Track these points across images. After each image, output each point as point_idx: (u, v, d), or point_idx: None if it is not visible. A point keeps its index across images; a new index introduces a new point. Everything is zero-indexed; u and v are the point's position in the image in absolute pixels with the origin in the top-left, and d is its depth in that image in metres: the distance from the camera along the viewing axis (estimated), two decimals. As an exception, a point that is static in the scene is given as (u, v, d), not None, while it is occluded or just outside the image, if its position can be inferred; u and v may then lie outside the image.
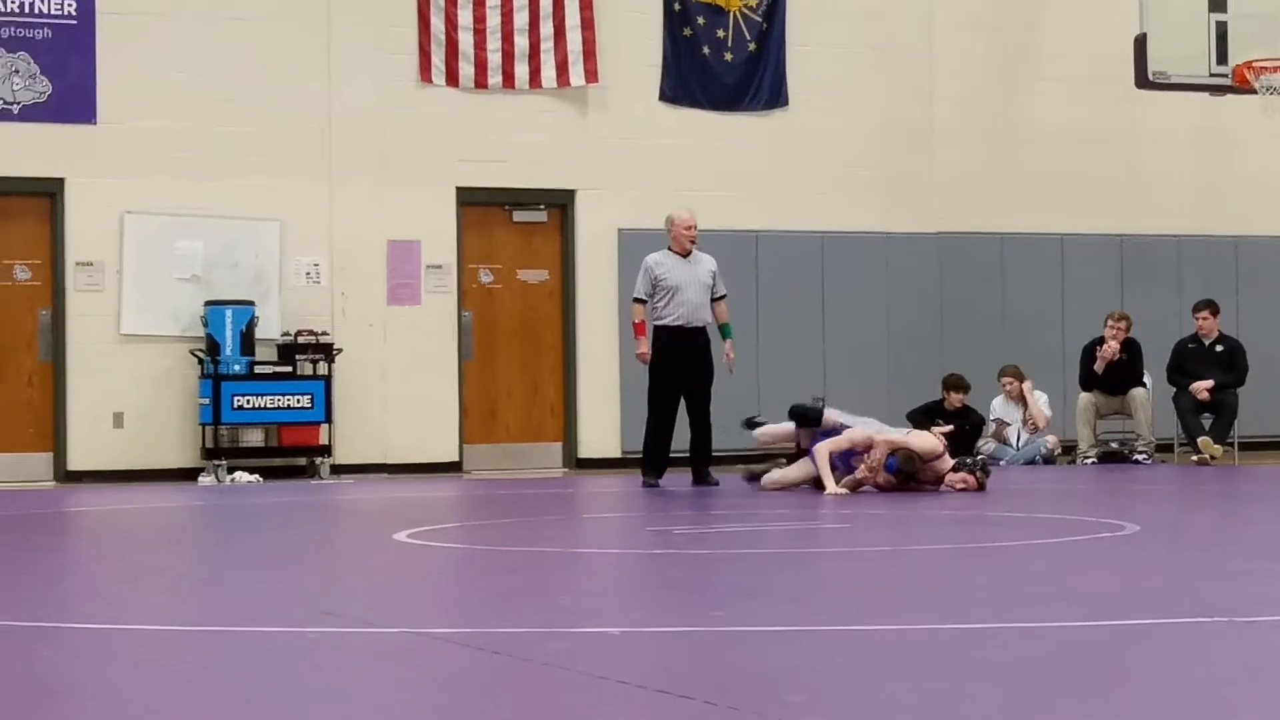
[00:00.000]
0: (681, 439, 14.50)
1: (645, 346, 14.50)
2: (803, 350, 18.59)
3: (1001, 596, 6.88)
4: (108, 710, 4.55)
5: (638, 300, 14.58)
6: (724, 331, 14.62)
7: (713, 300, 14.54)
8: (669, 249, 14.59)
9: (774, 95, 19.11)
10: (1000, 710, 4.32)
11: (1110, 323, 17.99)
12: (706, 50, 18.89)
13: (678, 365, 14.29)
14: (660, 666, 5.23)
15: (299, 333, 17.33)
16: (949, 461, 13.40)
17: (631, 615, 6.71)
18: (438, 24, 18.00)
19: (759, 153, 18.92)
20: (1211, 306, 18.17)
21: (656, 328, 14.42)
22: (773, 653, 5.39)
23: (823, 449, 13.30)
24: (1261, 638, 5.58)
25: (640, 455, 14.74)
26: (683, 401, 14.43)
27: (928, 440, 13.45)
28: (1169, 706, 4.30)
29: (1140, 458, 17.76)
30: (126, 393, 17.13)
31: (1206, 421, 17.74)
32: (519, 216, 18.62)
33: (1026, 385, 18.00)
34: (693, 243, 14.56)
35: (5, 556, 9.67)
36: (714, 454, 14.49)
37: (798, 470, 13.54)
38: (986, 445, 17.89)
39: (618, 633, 6.00)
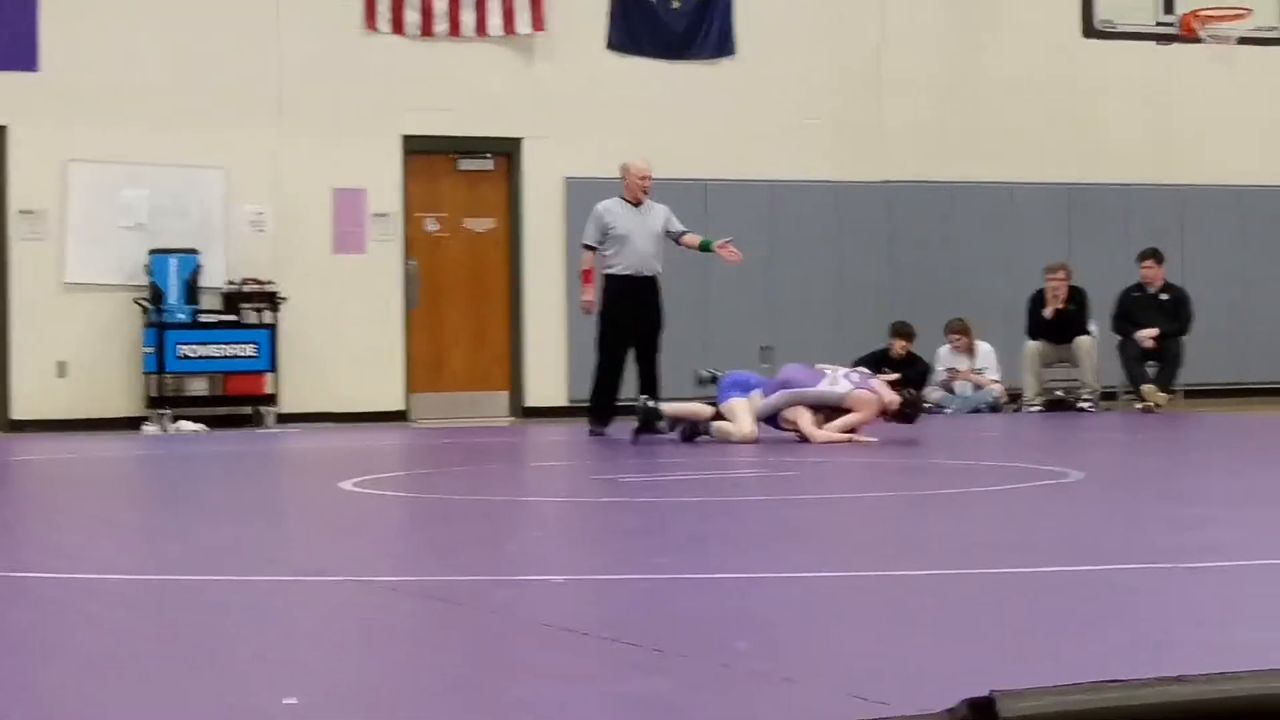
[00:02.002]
0: (630, 388, 14.48)
1: (591, 295, 14.46)
2: (752, 299, 18.59)
3: (947, 543, 6.89)
4: (52, 661, 4.52)
5: (587, 247, 14.53)
6: (705, 246, 14.45)
7: (679, 239, 14.47)
8: (621, 197, 14.53)
9: (722, 44, 19.07)
10: (946, 655, 4.33)
11: (1049, 275, 18.04)
12: (654, -2, 18.83)
13: (627, 314, 14.26)
14: (607, 614, 5.23)
15: (244, 281, 17.26)
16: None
17: (578, 563, 6.70)
18: (383, -29, 17.89)
19: (708, 101, 18.89)
20: (1156, 255, 18.24)
21: (606, 276, 14.38)
22: (720, 600, 5.39)
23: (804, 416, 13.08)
24: (1204, 584, 5.60)
25: (587, 404, 14.72)
26: (631, 351, 14.40)
27: (863, 404, 13.16)
28: (1113, 652, 4.32)
29: (1085, 405, 17.85)
30: (70, 342, 17.04)
31: (1151, 369, 17.84)
32: (465, 165, 18.56)
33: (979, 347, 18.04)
34: (645, 192, 14.50)
35: (-53, 506, 9.60)
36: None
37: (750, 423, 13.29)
38: (933, 393, 17.94)
39: (563, 580, 5.99)
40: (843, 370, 13.45)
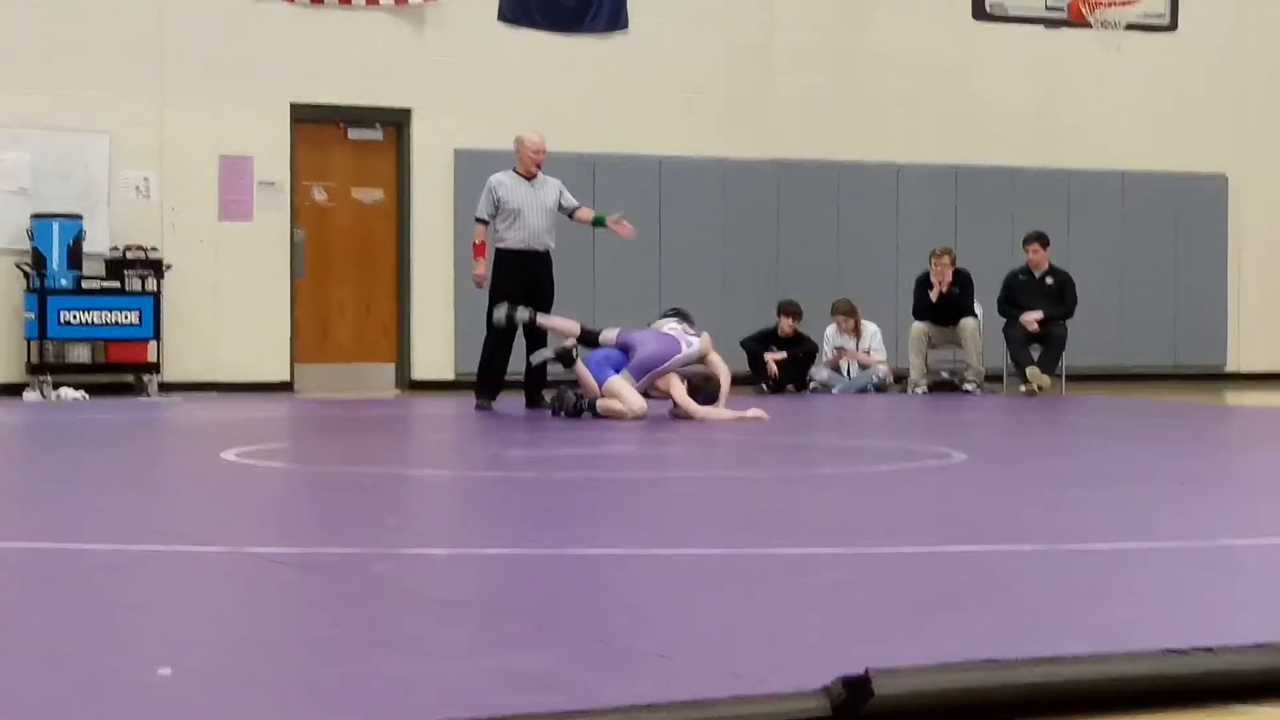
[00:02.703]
0: (517, 362, 14.44)
1: (482, 269, 14.41)
2: (639, 275, 18.60)
3: (827, 522, 6.93)
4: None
5: (479, 220, 14.47)
6: (599, 221, 14.49)
7: (572, 213, 14.45)
8: (514, 170, 14.47)
9: (614, 18, 19.05)
10: (823, 633, 4.35)
11: (933, 260, 18.16)
12: (546, -30, 18.77)
13: (517, 288, 14.21)
14: (487, 588, 5.22)
15: (128, 248, 17.09)
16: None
17: (460, 537, 6.69)
18: (274, -63, 17.74)
19: (598, 75, 18.88)
20: (1042, 239, 18.39)
21: (498, 250, 14.34)
22: (599, 575, 5.40)
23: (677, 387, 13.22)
24: (1078, 564, 5.66)
25: (475, 377, 14.67)
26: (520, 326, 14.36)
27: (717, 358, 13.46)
28: (988, 631, 4.35)
29: (970, 387, 17.98)
30: (-51, 306, 16.81)
31: (1035, 352, 17.99)
32: (354, 134, 18.46)
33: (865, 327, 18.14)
34: (539, 166, 14.45)
35: None
36: (549, 378, 14.45)
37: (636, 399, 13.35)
38: (820, 373, 18.03)
39: (445, 554, 5.98)
40: (671, 323, 13.60)
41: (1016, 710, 3.46)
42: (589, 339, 13.60)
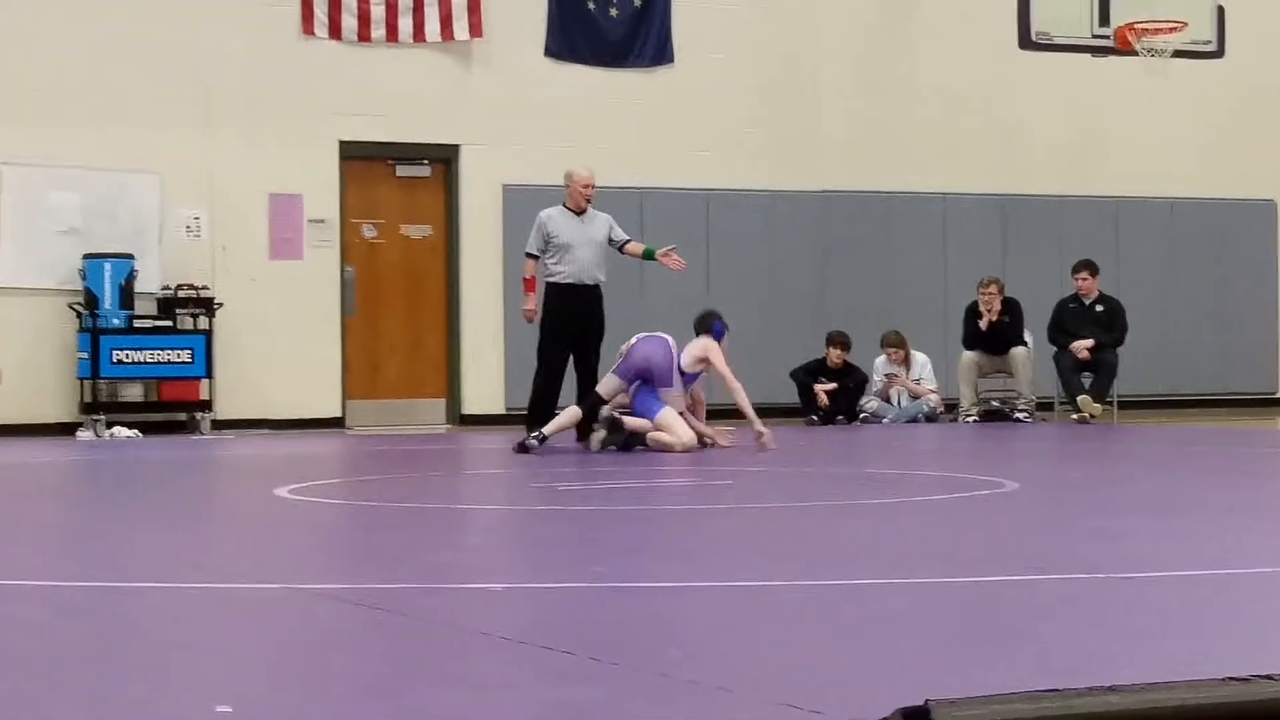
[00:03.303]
0: (568, 396, 14.43)
1: (532, 304, 14.42)
2: (687, 309, 18.49)
3: (881, 553, 6.91)
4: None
5: (529, 255, 14.49)
6: (648, 254, 14.52)
7: (621, 247, 14.46)
8: (564, 205, 14.48)
9: (659, 52, 19.08)
10: (880, 664, 4.33)
11: (981, 289, 18.13)
12: (592, 6, 18.84)
13: (568, 322, 14.21)
14: (542, 622, 5.22)
15: (179, 286, 17.16)
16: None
17: (513, 571, 6.69)
18: (320, -24, 17.84)
19: (644, 110, 18.90)
20: (1090, 267, 18.33)
21: (548, 284, 14.35)
22: (655, 608, 5.39)
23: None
24: (1135, 593, 5.63)
25: (525, 411, 14.67)
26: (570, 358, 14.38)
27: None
28: (1047, 662, 4.33)
29: (1021, 416, 17.92)
30: (3, 347, 16.91)
31: (1086, 380, 17.93)
32: (402, 171, 18.52)
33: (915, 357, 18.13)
34: (589, 201, 14.45)
35: (-124, 511, 9.51)
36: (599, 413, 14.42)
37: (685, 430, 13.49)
38: (870, 403, 17.99)
39: (499, 588, 5.98)
40: (663, 337, 13.71)
41: (1076, 740, 3.43)
42: (596, 406, 13.68)
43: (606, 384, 13.63)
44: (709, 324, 14.01)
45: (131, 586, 6.04)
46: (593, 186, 14.46)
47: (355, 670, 4.42)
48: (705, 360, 13.66)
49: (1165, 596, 5.58)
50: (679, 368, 13.56)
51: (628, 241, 14.51)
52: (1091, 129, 20.62)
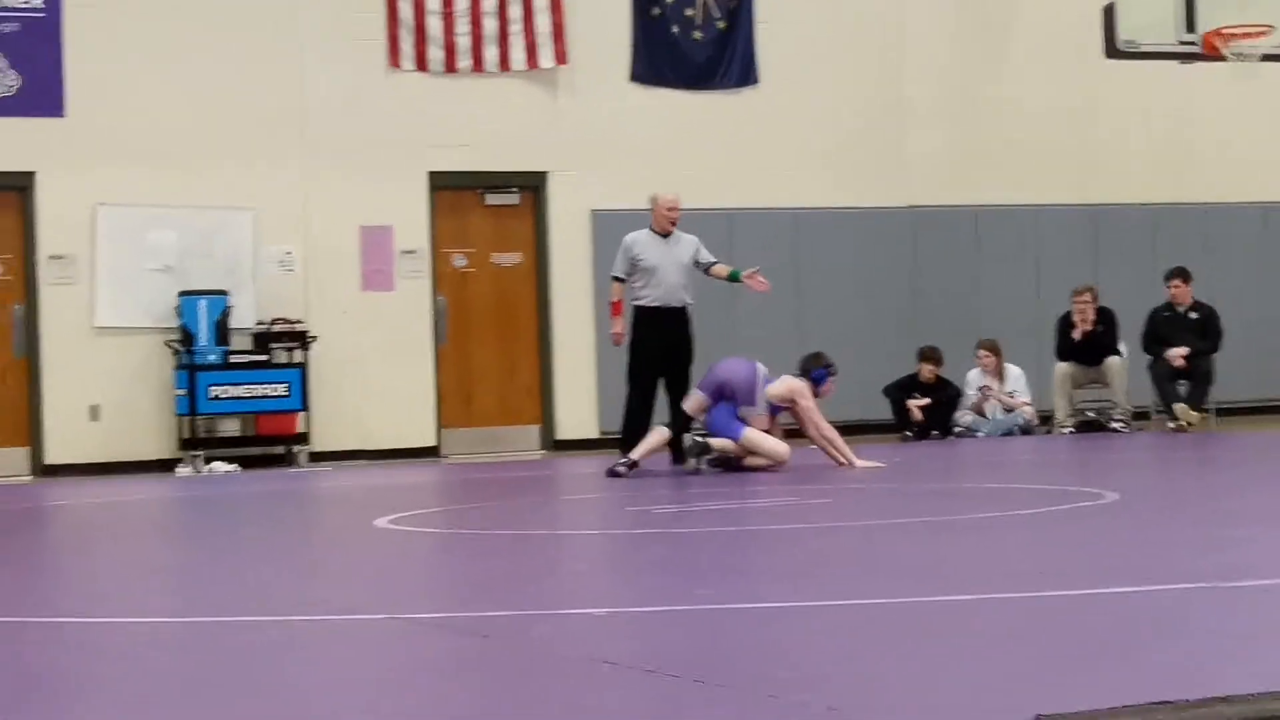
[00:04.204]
0: (660, 419, 14.44)
1: (620, 327, 14.47)
2: (778, 328, 18.57)
3: (983, 568, 6.88)
4: (91, 706, 4.53)
5: (615, 279, 14.53)
6: (734, 276, 14.51)
7: (708, 270, 14.47)
8: (650, 228, 14.51)
9: (744, 73, 19.10)
10: (989, 680, 4.32)
11: (1075, 298, 18.04)
12: (676, 29, 18.87)
13: (656, 345, 14.24)
14: (647, 646, 5.22)
15: (274, 321, 17.30)
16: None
17: (616, 595, 6.70)
18: (405, 9, 17.96)
19: (731, 131, 18.91)
20: (1183, 274, 18.20)
21: (636, 308, 14.38)
22: (760, 629, 5.39)
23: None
24: (1246, 603, 5.58)
25: (619, 436, 14.69)
26: (661, 381, 14.39)
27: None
28: (1158, 674, 4.30)
29: (1117, 426, 17.80)
30: (102, 385, 17.09)
31: (1183, 388, 17.78)
32: (491, 200, 18.60)
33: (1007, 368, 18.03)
34: (674, 224, 14.48)
35: (-15, 552, 9.63)
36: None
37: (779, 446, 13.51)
38: (964, 417, 17.91)
39: (603, 613, 5.99)
40: (749, 360, 13.70)
41: (1192, 752, 3.42)
42: (685, 423, 13.71)
43: (691, 400, 13.65)
44: (810, 367, 13.94)
45: (241, 621, 6.09)
46: (677, 209, 14.48)
47: (464, 699, 4.44)
48: (792, 401, 13.59)
49: (1275, 605, 5.53)
50: (763, 393, 13.51)
51: (714, 263, 14.52)
52: (1181, 137, 20.49)
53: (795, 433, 13.97)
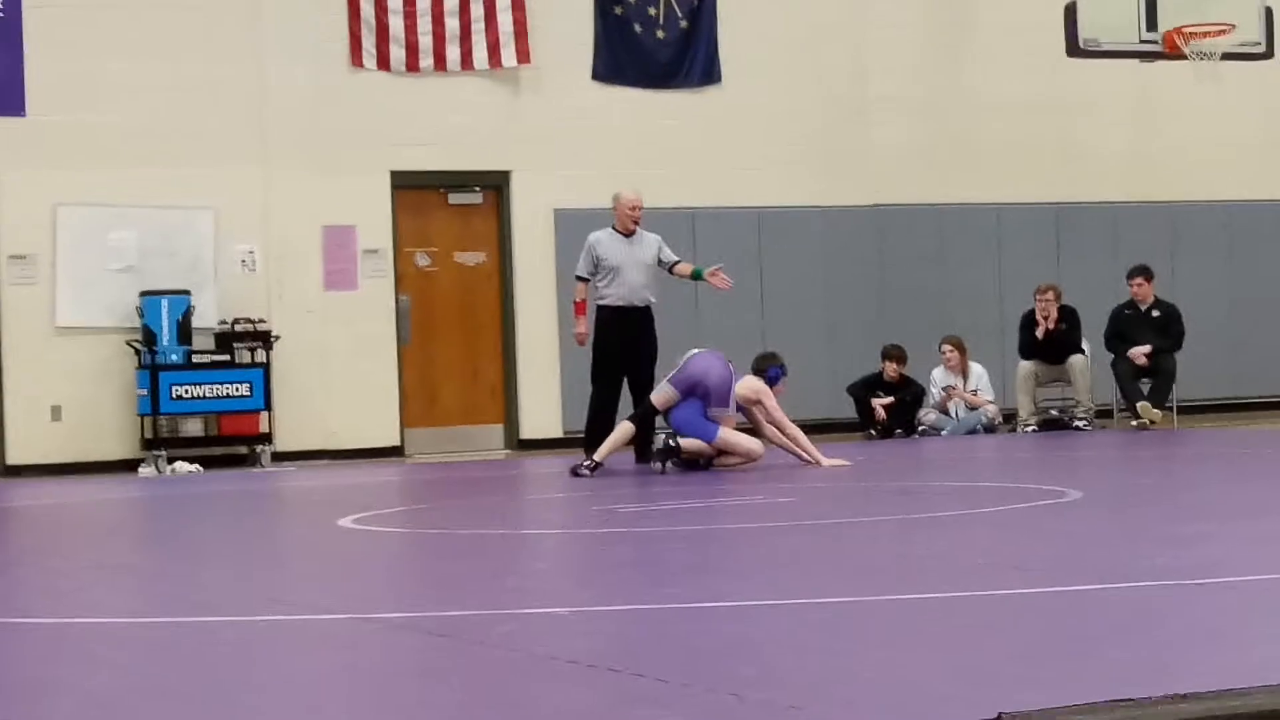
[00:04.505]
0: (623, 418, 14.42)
1: (583, 326, 14.47)
2: (742, 326, 18.56)
3: (948, 566, 6.90)
4: (56, 706, 4.51)
5: (579, 278, 14.54)
6: (696, 274, 14.51)
7: (671, 269, 14.49)
8: (613, 228, 14.52)
9: (707, 72, 19.09)
10: (951, 678, 4.32)
11: (1038, 296, 18.08)
12: (638, 28, 18.87)
13: (619, 344, 14.25)
14: (611, 645, 5.22)
15: (236, 321, 17.25)
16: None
17: (580, 595, 6.70)
18: (367, 8, 17.92)
19: (693, 130, 18.91)
20: (1146, 273, 18.25)
21: (599, 307, 14.38)
22: (723, 628, 5.39)
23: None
24: (1208, 600, 5.60)
25: (583, 435, 14.69)
26: (625, 381, 14.39)
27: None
28: (1121, 671, 4.31)
29: (1080, 424, 17.85)
30: (64, 385, 17.02)
31: (1145, 386, 17.83)
32: (454, 199, 18.57)
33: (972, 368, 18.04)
34: (636, 223, 14.49)
35: (-54, 553, 9.58)
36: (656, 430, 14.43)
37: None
38: (928, 415, 17.94)
39: (567, 612, 5.99)
40: (722, 357, 13.66)
41: (1154, 749, 3.43)
42: (649, 415, 13.66)
43: (661, 393, 13.56)
44: (765, 366, 13.94)
45: (205, 621, 6.07)
46: (640, 208, 14.50)
47: (431, 700, 4.43)
48: (757, 402, 13.60)
49: (1237, 602, 5.55)
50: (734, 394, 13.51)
51: (676, 263, 14.53)
52: (1144, 135, 20.54)
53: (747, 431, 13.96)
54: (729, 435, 13.30)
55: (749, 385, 13.65)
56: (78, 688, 4.78)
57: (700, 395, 13.35)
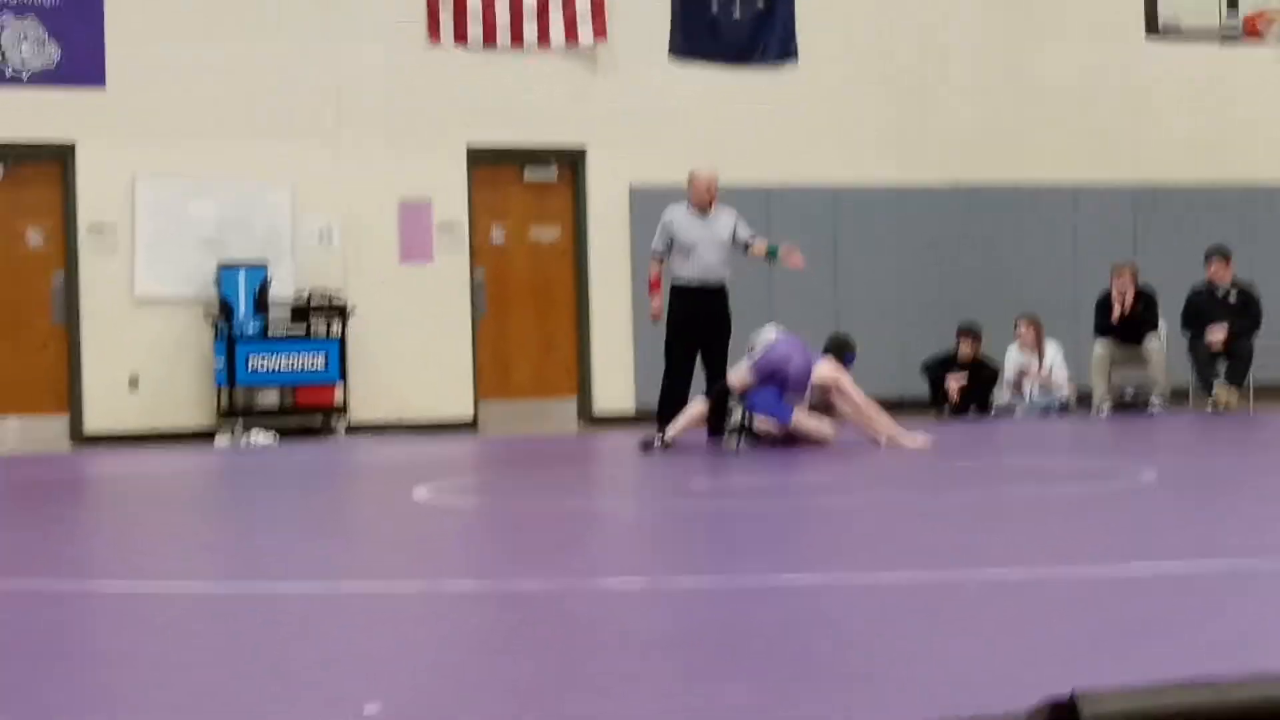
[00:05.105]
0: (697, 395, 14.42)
1: (657, 303, 14.46)
2: (817, 305, 18.55)
3: (1024, 545, 6.87)
4: (130, 674, 4.55)
5: (654, 256, 14.53)
6: (772, 252, 14.49)
7: (746, 247, 14.43)
8: (688, 205, 14.49)
9: (783, 49, 19.04)
10: (1027, 656, 4.31)
11: (1115, 276, 17.95)
12: (715, 5, 18.84)
13: (693, 322, 14.23)
14: (682, 621, 5.22)
15: (312, 293, 17.33)
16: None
17: (653, 570, 6.70)
18: (445, -17, 17.95)
19: (769, 108, 18.87)
20: (1223, 254, 18.11)
21: (673, 285, 14.35)
22: (797, 605, 5.39)
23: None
24: (1285, 582, 5.57)
25: (655, 411, 14.68)
26: (699, 358, 14.38)
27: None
28: (1198, 651, 4.29)
29: (1156, 406, 17.73)
30: (141, 355, 17.15)
31: (1221, 368, 17.70)
32: (530, 175, 18.60)
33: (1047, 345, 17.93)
34: (712, 201, 14.45)
35: (24, 520, 9.68)
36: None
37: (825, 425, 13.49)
38: (1002, 395, 17.86)
39: (639, 588, 5.99)
40: (803, 344, 13.63)
41: (1230, 730, 3.41)
42: (724, 394, 13.62)
43: (738, 374, 13.53)
44: (842, 349, 13.93)
45: (278, 592, 6.11)
46: (715, 186, 14.46)
47: (501, 672, 4.45)
48: (835, 385, 13.53)
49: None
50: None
51: (752, 240, 14.46)
52: (1222, 117, 20.38)
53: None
54: (803, 419, 13.29)
55: (831, 368, 13.60)
56: (150, 654, 4.82)
57: (779, 381, 13.35)
